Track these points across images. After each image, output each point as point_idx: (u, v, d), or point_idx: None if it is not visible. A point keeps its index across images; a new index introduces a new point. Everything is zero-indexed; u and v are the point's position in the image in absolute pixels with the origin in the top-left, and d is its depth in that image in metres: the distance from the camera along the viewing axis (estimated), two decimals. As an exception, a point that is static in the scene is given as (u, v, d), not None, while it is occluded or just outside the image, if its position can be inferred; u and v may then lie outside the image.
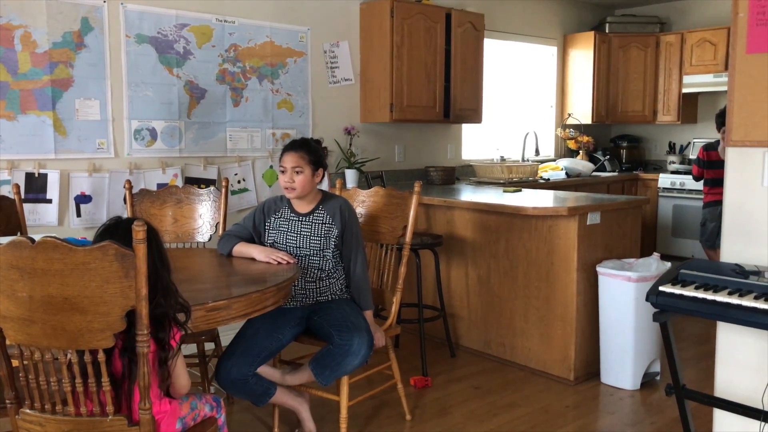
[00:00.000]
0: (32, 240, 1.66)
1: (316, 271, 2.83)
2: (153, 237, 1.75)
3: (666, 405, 3.30)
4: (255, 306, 2.22)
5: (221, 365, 2.65)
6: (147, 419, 1.77)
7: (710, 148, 4.87)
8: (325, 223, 2.84)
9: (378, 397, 3.35)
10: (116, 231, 1.81)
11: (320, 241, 2.82)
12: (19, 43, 3.39)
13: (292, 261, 2.68)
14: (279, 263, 2.65)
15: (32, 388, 1.81)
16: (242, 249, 2.79)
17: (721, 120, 4.82)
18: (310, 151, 2.80)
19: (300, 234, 2.83)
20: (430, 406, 3.34)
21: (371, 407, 3.29)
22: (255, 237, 2.89)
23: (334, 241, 2.84)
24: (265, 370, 2.74)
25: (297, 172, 2.74)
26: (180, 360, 1.92)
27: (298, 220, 2.85)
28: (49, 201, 3.54)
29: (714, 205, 4.91)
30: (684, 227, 6.11)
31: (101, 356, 1.71)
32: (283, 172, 2.77)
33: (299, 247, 2.82)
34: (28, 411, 1.85)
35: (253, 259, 2.72)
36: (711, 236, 5.00)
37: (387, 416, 3.21)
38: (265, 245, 2.85)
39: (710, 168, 4.84)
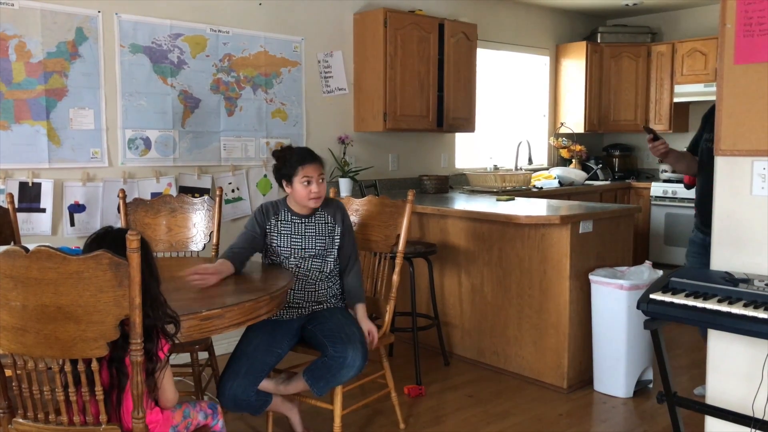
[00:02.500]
0: (26, 249, 1.67)
1: (317, 273, 2.85)
2: (143, 247, 1.75)
3: (658, 413, 3.31)
4: (248, 315, 2.22)
5: (225, 386, 2.61)
6: (140, 428, 1.77)
7: None
8: (328, 223, 2.87)
9: (372, 406, 3.35)
10: (104, 240, 1.82)
11: (325, 240, 2.85)
12: (13, 52, 3.40)
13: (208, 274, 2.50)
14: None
15: (25, 398, 1.81)
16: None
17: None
18: (321, 160, 2.87)
19: (305, 235, 2.84)
20: (423, 414, 3.34)
21: (365, 416, 3.29)
22: (262, 240, 2.85)
23: (338, 241, 2.87)
24: (261, 383, 2.74)
25: (322, 180, 2.79)
26: (168, 372, 1.91)
27: (301, 222, 2.85)
28: (43, 210, 3.54)
29: None
30: (676, 235, 6.14)
31: (95, 365, 1.72)
32: (308, 183, 2.75)
33: (304, 248, 2.83)
34: (21, 420, 1.85)
35: (267, 273, 2.70)
36: None
37: (381, 425, 3.21)
38: (266, 249, 2.86)
39: None
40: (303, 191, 2.76)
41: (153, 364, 1.82)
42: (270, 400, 2.77)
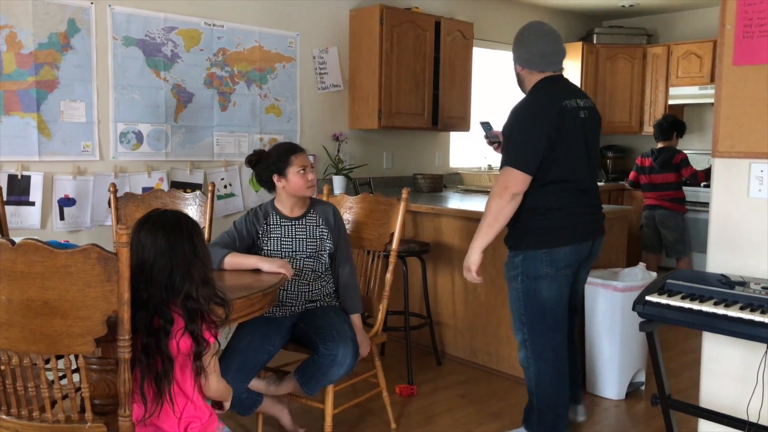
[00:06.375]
0: (12, 242, 1.63)
1: (309, 273, 2.82)
2: (188, 226, 1.81)
3: (651, 415, 3.30)
4: (241, 312, 2.19)
5: None
6: (126, 426, 1.73)
7: (645, 155, 5.27)
8: (319, 226, 2.83)
9: (363, 405, 3.32)
10: (146, 222, 1.79)
11: (316, 243, 2.81)
12: (4, 43, 3.35)
13: (291, 274, 2.55)
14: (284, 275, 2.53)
15: (9, 394, 1.78)
16: (238, 260, 2.58)
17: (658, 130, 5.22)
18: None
19: (295, 238, 2.80)
20: (415, 414, 3.32)
21: (356, 415, 3.27)
22: (248, 242, 2.78)
23: (329, 244, 2.84)
24: (252, 382, 2.71)
25: (312, 169, 2.79)
26: (214, 360, 1.86)
27: (291, 225, 2.82)
28: (32, 203, 3.49)
29: (648, 209, 5.31)
30: (669, 238, 6.13)
31: (81, 361, 1.68)
32: (303, 172, 2.72)
33: (295, 251, 2.79)
34: (4, 417, 1.81)
35: (257, 271, 2.55)
36: (645, 240, 5.36)
37: (372, 424, 3.19)
38: (258, 252, 2.80)
39: (644, 173, 5.25)
40: (300, 181, 2.73)
41: (200, 347, 1.76)
42: (260, 401, 2.75)
